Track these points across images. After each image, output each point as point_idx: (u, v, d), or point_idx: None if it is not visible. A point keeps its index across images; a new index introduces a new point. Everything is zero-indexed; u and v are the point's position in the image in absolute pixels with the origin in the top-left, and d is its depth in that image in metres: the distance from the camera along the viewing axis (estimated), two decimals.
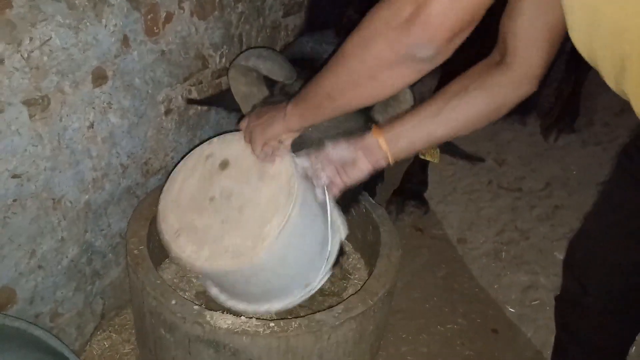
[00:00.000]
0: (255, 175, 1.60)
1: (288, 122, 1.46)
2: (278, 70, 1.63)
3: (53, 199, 1.74)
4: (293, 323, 1.62)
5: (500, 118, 4.08)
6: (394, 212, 3.03)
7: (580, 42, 1.10)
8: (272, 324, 1.61)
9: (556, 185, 3.53)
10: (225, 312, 1.63)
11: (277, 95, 1.72)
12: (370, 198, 2.25)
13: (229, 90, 1.85)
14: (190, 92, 2.31)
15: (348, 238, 2.39)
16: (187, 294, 2.09)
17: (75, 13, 1.60)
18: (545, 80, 4.29)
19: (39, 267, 1.77)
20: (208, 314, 1.61)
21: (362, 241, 2.29)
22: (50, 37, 1.54)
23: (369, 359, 1.93)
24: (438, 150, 1.89)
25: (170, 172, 1.80)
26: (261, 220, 1.53)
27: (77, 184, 1.82)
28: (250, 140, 1.58)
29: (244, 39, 2.65)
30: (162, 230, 1.68)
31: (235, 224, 1.57)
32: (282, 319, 1.65)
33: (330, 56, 1.35)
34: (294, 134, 1.54)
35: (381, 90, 1.25)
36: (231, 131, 1.78)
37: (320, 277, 1.70)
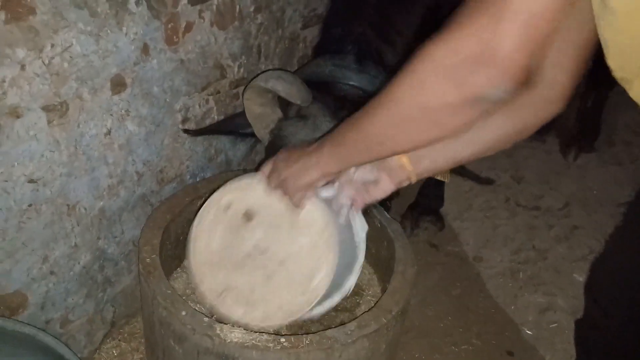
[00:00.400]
0: (287, 224, 1.54)
1: (324, 167, 1.35)
2: (296, 93, 1.62)
3: (68, 205, 1.74)
4: (304, 339, 1.59)
5: None
6: (409, 227, 2.99)
7: (617, 63, 1.06)
8: (282, 340, 1.58)
9: (575, 204, 3.46)
10: (235, 326, 1.60)
11: (292, 118, 1.71)
12: (385, 212, 2.22)
13: (236, 115, 1.85)
14: (207, 101, 2.32)
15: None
16: (198, 305, 2.06)
17: (97, 21, 1.61)
18: None
19: (51, 272, 1.76)
20: (218, 327, 1.58)
21: (376, 256, 2.26)
22: (72, 44, 1.55)
23: None
24: (448, 171, 1.86)
25: (185, 183, 1.79)
26: (307, 274, 1.51)
27: (92, 191, 1.82)
28: (283, 190, 1.47)
29: (262, 50, 2.65)
30: (204, 294, 1.62)
31: (280, 280, 1.55)
32: (293, 334, 1.62)
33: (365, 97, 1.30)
34: (329, 178, 1.45)
35: (441, 133, 1.13)
36: (238, 170, 1.76)
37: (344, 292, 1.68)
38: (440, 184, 3.06)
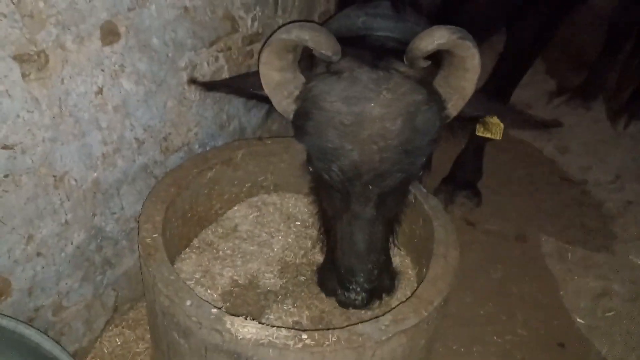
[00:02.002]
0: None
1: None
2: (325, 41, 1.32)
3: (54, 176, 1.49)
4: (330, 336, 1.33)
5: (561, 102, 3.59)
6: (443, 202, 2.68)
7: None
8: (304, 336, 1.32)
9: (627, 177, 3.10)
10: (248, 318, 1.35)
11: (322, 74, 1.40)
12: (421, 186, 1.92)
13: (250, 73, 1.55)
14: (217, 59, 2.03)
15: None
16: (209, 291, 1.82)
17: None
18: (612, 61, 3.79)
19: (38, 254, 1.53)
20: (229, 320, 1.34)
21: (410, 236, 1.98)
22: None
23: None
24: (501, 125, 1.56)
25: (193, 153, 1.49)
26: None
27: (84, 159, 1.57)
28: None
29: (279, 1, 2.34)
30: None
31: None
32: (316, 330, 1.36)
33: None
34: None
35: None
36: None
37: None
38: (479, 154, 2.74)
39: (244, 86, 1.59)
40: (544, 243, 2.61)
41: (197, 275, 1.88)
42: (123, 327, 1.95)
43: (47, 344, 1.32)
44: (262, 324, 1.34)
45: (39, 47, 1.31)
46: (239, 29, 2.08)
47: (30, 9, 1.25)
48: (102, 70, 1.52)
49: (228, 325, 1.32)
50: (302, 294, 1.89)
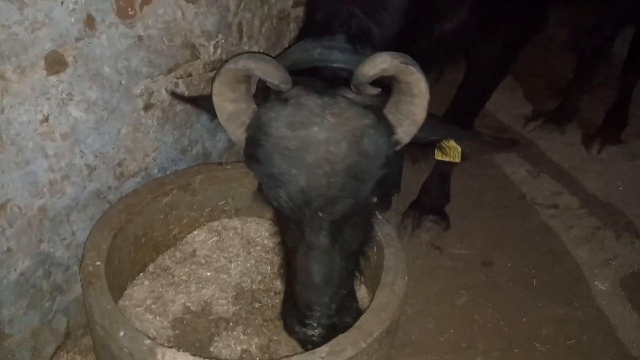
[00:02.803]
0: None
1: None
2: (273, 71, 1.34)
3: None
4: None
5: (536, 126, 3.63)
6: (410, 227, 2.69)
7: None
8: None
9: (596, 203, 3.11)
10: (180, 350, 1.34)
11: (271, 101, 1.42)
12: (378, 213, 1.92)
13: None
14: (177, 85, 2.05)
15: None
16: (158, 319, 1.81)
17: None
18: (588, 85, 3.83)
19: None
20: (160, 352, 1.32)
21: (365, 264, 1.97)
22: None
23: None
24: (459, 148, 1.57)
25: (152, 178, 1.48)
26: None
27: (28, 187, 1.57)
28: None
29: (244, 29, 2.36)
30: None
31: None
32: None
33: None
34: None
35: None
36: None
37: None
38: (446, 178, 2.75)
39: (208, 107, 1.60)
40: (510, 268, 2.60)
41: (149, 302, 1.87)
42: (74, 353, 1.93)
43: None
44: (195, 355, 1.33)
45: None
46: (200, 56, 2.10)
47: None
48: (48, 99, 1.54)
49: (159, 357, 1.31)
50: (256, 320, 1.88)
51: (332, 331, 1.50)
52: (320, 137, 1.36)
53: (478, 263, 2.63)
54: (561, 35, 3.97)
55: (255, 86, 1.63)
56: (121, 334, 1.37)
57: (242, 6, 2.29)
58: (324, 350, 1.39)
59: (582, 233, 2.87)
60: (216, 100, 1.46)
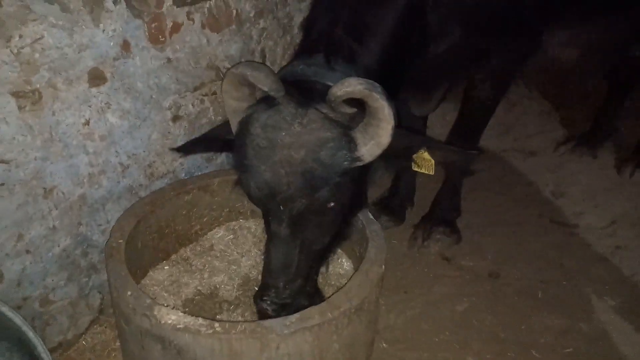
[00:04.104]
0: None
1: None
2: (264, 79, 1.62)
3: (44, 188, 1.87)
4: (238, 326, 1.55)
5: (566, 149, 3.59)
6: (420, 237, 2.83)
7: None
8: (216, 325, 1.55)
9: (623, 224, 3.08)
10: (175, 308, 1.61)
11: (260, 103, 1.70)
12: (369, 212, 2.12)
13: (223, 123, 1.87)
14: (202, 101, 2.39)
15: (347, 254, 2.29)
16: (172, 297, 2.10)
17: (69, 16, 1.74)
18: (621, 109, 3.79)
19: (27, 251, 1.89)
20: (156, 308, 1.60)
21: (359, 258, 2.16)
22: (42, 36, 1.69)
23: None
24: (432, 160, 1.75)
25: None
26: None
27: (71, 177, 1.94)
28: None
29: (267, 55, 2.70)
30: None
31: None
32: (230, 321, 1.58)
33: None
34: None
35: None
36: None
37: None
38: (455, 192, 2.88)
39: (221, 132, 1.91)
40: (517, 281, 2.65)
41: (166, 283, 2.16)
42: (105, 327, 2.25)
43: (19, 320, 1.64)
44: (184, 313, 1.59)
45: (33, 87, 1.72)
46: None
47: (27, 58, 1.67)
48: (89, 106, 1.92)
49: (155, 312, 1.58)
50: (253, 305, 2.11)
51: (284, 309, 1.69)
52: (285, 141, 1.58)
53: (485, 274, 2.70)
54: (569, 54, 3.98)
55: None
56: (128, 293, 1.66)
57: (264, 35, 2.64)
58: (294, 316, 1.59)
59: (601, 251, 2.86)
60: (223, 96, 1.76)
